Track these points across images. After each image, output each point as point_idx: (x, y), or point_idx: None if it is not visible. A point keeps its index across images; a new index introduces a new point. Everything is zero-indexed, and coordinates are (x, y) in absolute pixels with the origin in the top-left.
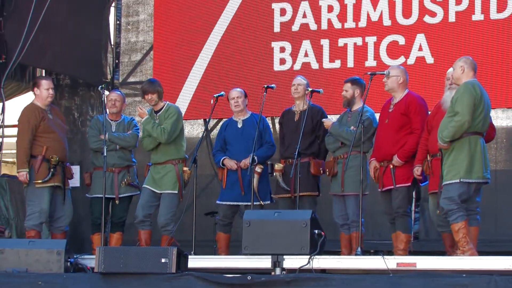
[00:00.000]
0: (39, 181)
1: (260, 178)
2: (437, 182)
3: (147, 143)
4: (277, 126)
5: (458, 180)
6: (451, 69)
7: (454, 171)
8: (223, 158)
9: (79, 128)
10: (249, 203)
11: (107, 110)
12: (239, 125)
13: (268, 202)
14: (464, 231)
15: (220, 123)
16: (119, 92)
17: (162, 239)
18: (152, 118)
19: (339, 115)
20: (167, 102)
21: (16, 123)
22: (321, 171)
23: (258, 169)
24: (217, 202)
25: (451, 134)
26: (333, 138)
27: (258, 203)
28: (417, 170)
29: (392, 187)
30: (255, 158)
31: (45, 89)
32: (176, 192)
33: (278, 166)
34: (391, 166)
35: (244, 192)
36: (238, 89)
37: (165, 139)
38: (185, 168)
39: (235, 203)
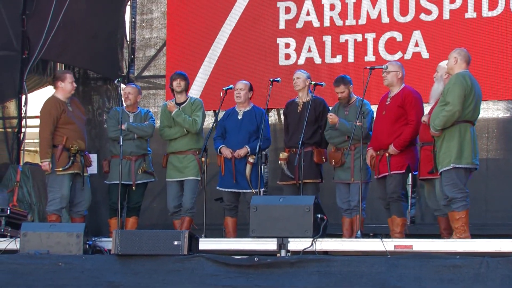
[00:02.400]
0: (60, 169)
1: (253, 168)
2: (425, 169)
3: (169, 133)
4: (283, 117)
5: (451, 166)
6: (441, 63)
7: (448, 158)
8: (220, 146)
9: (97, 119)
10: (245, 190)
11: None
12: (239, 117)
13: (262, 189)
14: (464, 220)
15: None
16: (134, 86)
17: (182, 219)
18: (180, 110)
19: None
20: (189, 95)
21: (38, 114)
22: (324, 159)
23: (251, 159)
24: (217, 188)
25: (442, 123)
26: (338, 132)
27: (250, 190)
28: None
29: (387, 174)
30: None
31: (69, 82)
32: (199, 179)
33: (282, 155)
34: (387, 155)
35: (236, 180)
36: (244, 82)
37: (196, 129)
38: (203, 159)
39: (232, 190)
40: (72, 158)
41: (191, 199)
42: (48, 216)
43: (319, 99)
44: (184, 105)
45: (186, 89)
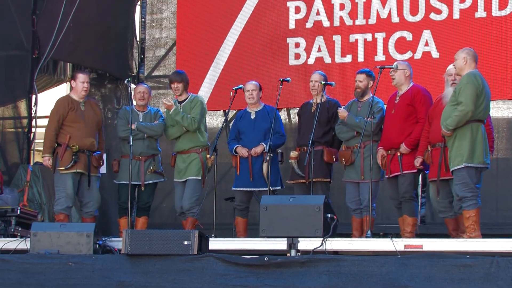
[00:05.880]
0: (62, 168)
1: (270, 166)
2: (436, 171)
3: (172, 132)
4: (292, 116)
5: (463, 165)
6: (451, 66)
7: (459, 157)
8: (236, 146)
9: (107, 118)
10: (261, 189)
11: (135, 101)
12: (252, 116)
13: (279, 187)
14: (475, 219)
15: None
16: (146, 86)
17: (187, 220)
18: (178, 108)
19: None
20: (191, 93)
21: (48, 114)
22: (334, 159)
23: (267, 157)
24: (233, 188)
25: (455, 123)
26: (347, 127)
27: (266, 189)
28: (417, 162)
29: (399, 173)
30: (269, 146)
31: (80, 82)
32: (200, 178)
33: (293, 154)
34: (399, 154)
35: (253, 179)
36: (254, 82)
37: (194, 127)
38: (208, 156)
39: (248, 189)
40: (74, 157)
41: (190, 199)
42: (55, 216)
43: (333, 100)
44: (184, 103)
45: (186, 87)
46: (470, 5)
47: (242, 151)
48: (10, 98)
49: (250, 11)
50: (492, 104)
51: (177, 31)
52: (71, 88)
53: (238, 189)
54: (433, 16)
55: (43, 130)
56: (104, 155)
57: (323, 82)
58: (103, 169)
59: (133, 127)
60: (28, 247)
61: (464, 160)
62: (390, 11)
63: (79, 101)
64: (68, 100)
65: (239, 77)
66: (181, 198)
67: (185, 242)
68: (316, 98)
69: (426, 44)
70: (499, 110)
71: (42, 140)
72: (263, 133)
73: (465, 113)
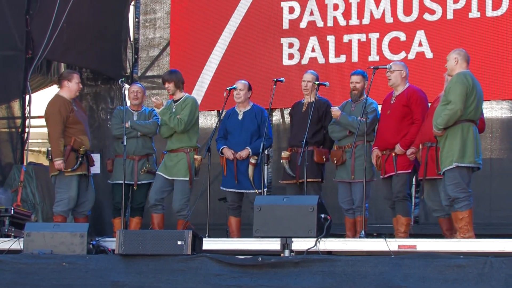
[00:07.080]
0: (68, 170)
1: (255, 169)
2: (426, 169)
3: (164, 131)
4: (286, 116)
5: (454, 165)
6: None
7: (450, 157)
8: (222, 147)
9: (100, 118)
10: (247, 191)
11: (129, 101)
12: (240, 117)
13: (265, 189)
14: (468, 219)
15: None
16: (140, 85)
17: (177, 223)
18: (169, 108)
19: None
20: (186, 93)
21: (42, 114)
22: (324, 159)
23: (253, 160)
24: (221, 187)
25: (444, 122)
26: (340, 127)
27: (253, 191)
28: (409, 151)
29: (393, 173)
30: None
31: (76, 82)
32: (187, 179)
33: (284, 154)
34: (393, 154)
35: (238, 181)
36: (243, 81)
37: (181, 129)
38: (196, 156)
39: (234, 190)
40: (80, 159)
41: (180, 200)
42: (54, 216)
43: (323, 99)
44: (178, 102)
45: (178, 86)
46: (463, 5)
47: (228, 153)
48: (4, 98)
49: (244, 11)
50: (486, 104)
51: (171, 31)
52: (61, 88)
53: (226, 189)
54: (426, 16)
55: (37, 130)
56: (98, 156)
57: (317, 83)
58: (97, 170)
59: (126, 125)
60: (22, 247)
61: (454, 160)
62: (383, 12)
63: (71, 102)
64: (67, 102)
65: (233, 77)
66: (158, 191)
67: (179, 242)
68: (308, 97)
69: (420, 45)
70: (492, 110)
71: (36, 141)
72: (249, 135)
73: (454, 112)
